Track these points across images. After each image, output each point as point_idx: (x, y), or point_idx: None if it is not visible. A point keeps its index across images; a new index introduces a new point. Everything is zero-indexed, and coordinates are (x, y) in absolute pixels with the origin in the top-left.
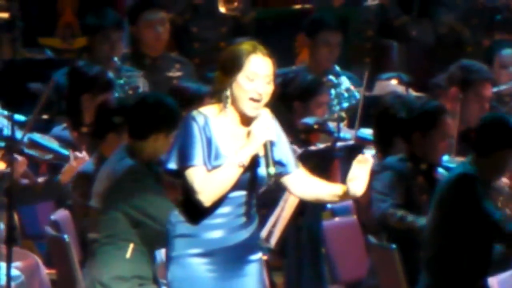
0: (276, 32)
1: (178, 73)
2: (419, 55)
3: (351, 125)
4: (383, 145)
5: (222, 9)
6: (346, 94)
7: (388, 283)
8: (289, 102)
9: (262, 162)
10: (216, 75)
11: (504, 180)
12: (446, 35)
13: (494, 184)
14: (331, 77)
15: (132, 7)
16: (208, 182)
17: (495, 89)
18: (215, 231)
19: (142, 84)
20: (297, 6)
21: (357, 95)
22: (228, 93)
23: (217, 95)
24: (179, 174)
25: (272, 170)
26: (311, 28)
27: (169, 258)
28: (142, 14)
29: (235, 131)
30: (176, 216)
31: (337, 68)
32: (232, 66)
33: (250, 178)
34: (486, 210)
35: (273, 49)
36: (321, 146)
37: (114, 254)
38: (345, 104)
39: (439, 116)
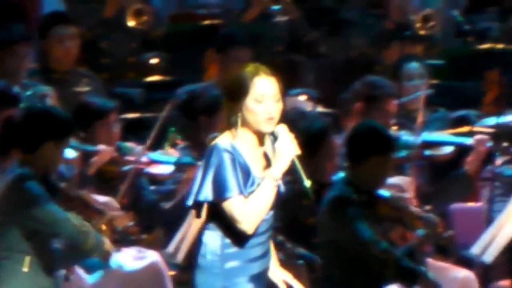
0: (186, 47)
1: (86, 88)
2: (329, 71)
3: None
4: None
5: (132, 23)
6: None
7: None
8: (195, 117)
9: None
10: (223, 102)
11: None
12: (357, 58)
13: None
14: None
15: (43, 21)
16: (248, 210)
17: (398, 101)
18: (256, 258)
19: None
20: (207, 22)
21: None
22: (238, 118)
23: (227, 122)
24: (212, 205)
25: (308, 183)
26: (221, 44)
27: None
28: (52, 28)
29: (254, 153)
30: (223, 248)
31: None
32: (238, 92)
33: (276, 197)
34: (357, 232)
35: (182, 65)
36: None
37: (11, 268)
38: None
39: (324, 138)
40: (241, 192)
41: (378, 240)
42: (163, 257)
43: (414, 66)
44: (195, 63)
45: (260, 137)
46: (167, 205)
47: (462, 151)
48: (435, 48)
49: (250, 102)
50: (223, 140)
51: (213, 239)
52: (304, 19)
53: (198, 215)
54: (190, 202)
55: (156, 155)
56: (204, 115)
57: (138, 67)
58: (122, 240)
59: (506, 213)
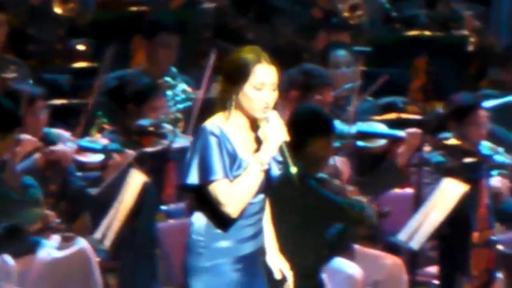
0: (113, 34)
1: (13, 75)
2: None
3: (187, 127)
4: None
5: (58, 10)
6: (182, 96)
7: None
8: (123, 104)
9: (272, 163)
10: (219, 83)
11: None
12: (284, 45)
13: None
14: (168, 78)
15: None
16: (233, 193)
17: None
18: (247, 239)
19: None
20: (134, 8)
21: (193, 97)
22: (233, 101)
23: (221, 103)
24: (200, 188)
25: (294, 169)
26: (149, 30)
27: (199, 269)
28: None
29: (245, 137)
30: (207, 228)
31: (174, 70)
32: (238, 76)
33: (266, 181)
34: (328, 198)
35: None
36: (156, 148)
37: None
38: (181, 106)
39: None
40: (227, 175)
41: (349, 201)
42: (90, 243)
43: (341, 53)
44: (122, 50)
45: (253, 121)
46: (94, 191)
47: (393, 141)
48: (362, 36)
49: (248, 88)
50: (211, 123)
51: (199, 219)
52: (232, 6)
53: (190, 198)
54: (178, 185)
55: (84, 142)
56: (133, 102)
57: (65, 53)
58: (49, 227)
59: (433, 200)
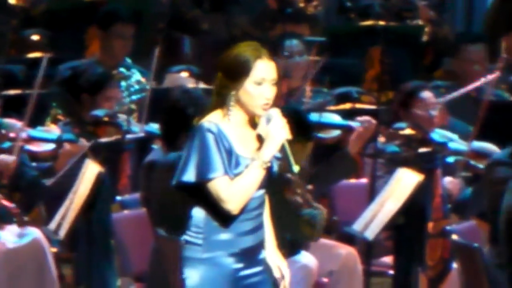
0: (67, 24)
1: None
2: (211, 48)
3: (141, 118)
4: (169, 139)
5: (12, 1)
6: (136, 87)
7: (177, 274)
8: (77, 94)
9: (273, 160)
10: (218, 79)
11: None
12: (239, 35)
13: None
14: (122, 69)
15: None
16: (234, 190)
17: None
18: (246, 232)
19: None
20: None
21: (148, 87)
22: (233, 97)
23: (220, 99)
24: (196, 186)
25: (296, 168)
26: (104, 20)
27: (196, 260)
28: None
29: (244, 134)
30: (206, 220)
31: (128, 60)
32: (238, 72)
33: (267, 177)
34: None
35: (64, 42)
36: (111, 138)
37: None
38: (135, 97)
39: None
40: (226, 172)
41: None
42: (44, 234)
43: (294, 43)
44: (77, 40)
45: (251, 118)
46: (48, 181)
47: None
48: (318, 26)
49: (249, 84)
50: (209, 120)
51: (198, 212)
52: None
53: (186, 195)
54: (173, 182)
55: (36, 131)
56: (87, 92)
57: (19, 43)
58: (3, 217)
59: (387, 190)
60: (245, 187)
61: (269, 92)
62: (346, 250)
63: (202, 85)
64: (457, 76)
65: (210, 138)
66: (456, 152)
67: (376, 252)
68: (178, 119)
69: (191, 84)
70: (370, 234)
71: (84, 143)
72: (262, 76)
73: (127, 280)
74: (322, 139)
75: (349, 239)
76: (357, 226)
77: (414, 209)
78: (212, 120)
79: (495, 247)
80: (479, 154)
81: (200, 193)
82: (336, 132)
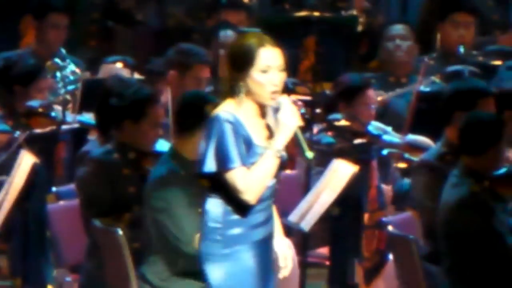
0: (1, 13)
1: None
2: (145, 38)
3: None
4: (104, 130)
5: None
6: (71, 77)
7: (113, 265)
8: (10, 85)
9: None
10: (226, 71)
11: None
12: (174, 26)
13: None
14: (57, 60)
15: None
16: (251, 180)
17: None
18: (258, 224)
19: None
20: None
21: (83, 78)
22: (242, 87)
23: (230, 90)
24: (216, 176)
25: (310, 154)
26: (38, 10)
27: (219, 256)
28: None
29: (256, 123)
30: (225, 215)
31: (63, 51)
32: (243, 62)
33: (280, 166)
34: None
35: None
36: (45, 129)
37: None
38: (70, 87)
39: (149, 104)
40: (243, 163)
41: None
42: None
43: (228, 34)
44: (10, 31)
45: (262, 108)
46: None
47: None
48: (253, 17)
49: (255, 73)
50: (224, 110)
51: (215, 206)
52: None
53: (208, 186)
54: (196, 175)
55: None
56: (19, 84)
57: None
58: None
59: (323, 181)
60: (262, 177)
61: (277, 78)
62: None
63: (136, 76)
64: (387, 66)
65: (228, 128)
66: (390, 145)
67: (312, 243)
68: (112, 109)
69: (126, 74)
70: (306, 225)
71: (18, 134)
72: (267, 64)
73: (62, 271)
74: None
75: (285, 230)
76: (292, 217)
77: (350, 201)
78: (228, 110)
79: (429, 242)
80: (413, 147)
81: (218, 183)
82: None
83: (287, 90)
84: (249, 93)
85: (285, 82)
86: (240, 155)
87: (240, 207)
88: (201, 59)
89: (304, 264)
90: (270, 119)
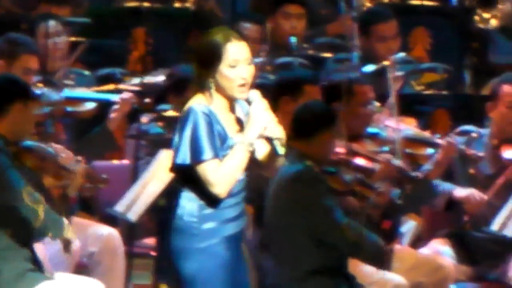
0: None
1: None
2: None
3: None
4: None
5: None
6: None
7: None
8: None
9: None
10: (194, 68)
11: None
12: (2, 16)
13: None
14: None
15: None
16: (221, 173)
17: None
18: (230, 219)
19: None
20: None
21: None
22: (211, 83)
23: (199, 87)
24: (190, 168)
25: (282, 150)
26: None
27: (193, 250)
28: None
29: (227, 118)
30: (199, 209)
31: None
32: (211, 59)
33: (249, 159)
34: None
35: None
36: None
37: None
38: None
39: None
40: (216, 155)
41: None
42: None
43: (51, 24)
44: None
45: (232, 102)
46: None
47: (107, 108)
48: (81, 7)
49: (224, 68)
50: (197, 103)
51: (190, 200)
52: None
53: (179, 178)
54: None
55: None
56: None
57: None
58: None
59: (150, 172)
60: (232, 170)
61: (245, 71)
62: (107, 231)
63: None
64: None
65: (202, 120)
66: None
67: (139, 233)
68: None
69: None
70: (133, 215)
71: None
72: (234, 58)
73: None
74: (76, 113)
75: (111, 220)
76: (119, 207)
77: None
78: (202, 103)
79: (260, 230)
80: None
81: (191, 176)
82: (90, 105)
83: (116, 80)
84: (218, 88)
85: (114, 72)
86: (213, 147)
87: (211, 200)
88: (28, 49)
89: (130, 254)
90: (240, 113)
